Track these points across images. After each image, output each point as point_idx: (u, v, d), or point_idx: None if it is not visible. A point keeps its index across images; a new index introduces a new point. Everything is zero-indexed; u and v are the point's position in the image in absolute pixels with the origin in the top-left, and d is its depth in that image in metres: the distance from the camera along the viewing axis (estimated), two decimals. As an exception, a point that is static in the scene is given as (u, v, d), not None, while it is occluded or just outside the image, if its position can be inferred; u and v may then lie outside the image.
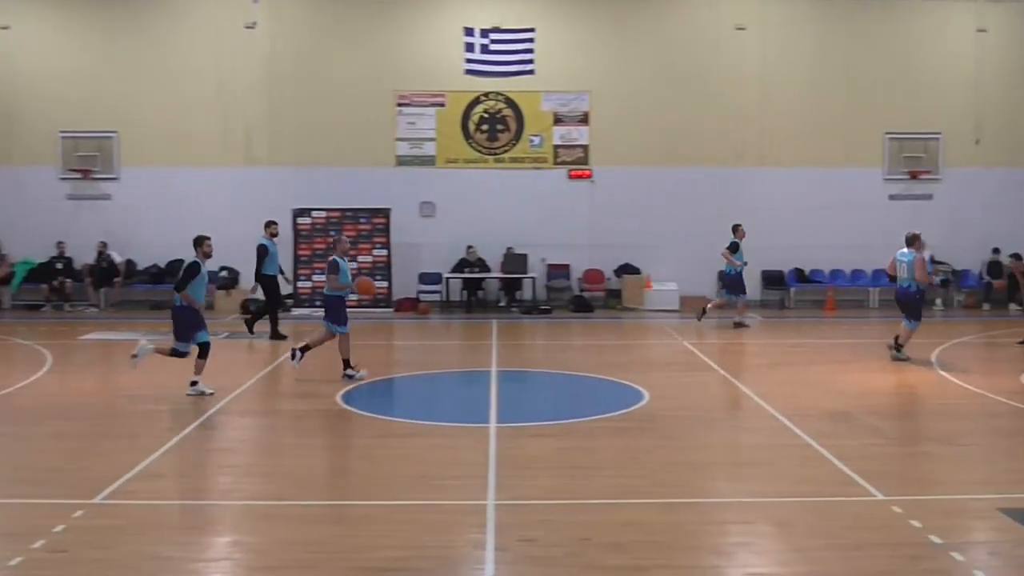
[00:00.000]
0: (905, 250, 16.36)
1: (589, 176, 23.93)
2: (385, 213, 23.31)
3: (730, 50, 23.80)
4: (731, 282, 20.70)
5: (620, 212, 23.75)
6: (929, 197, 24.26)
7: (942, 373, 15.26)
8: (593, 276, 24.06)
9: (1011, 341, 18.07)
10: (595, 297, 23.83)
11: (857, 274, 24.16)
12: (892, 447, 10.98)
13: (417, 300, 23.44)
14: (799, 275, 24.10)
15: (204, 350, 13.30)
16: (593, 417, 12.23)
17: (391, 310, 22.98)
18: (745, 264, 20.61)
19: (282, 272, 19.21)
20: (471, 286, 23.68)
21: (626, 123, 23.78)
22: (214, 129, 23.68)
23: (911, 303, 16.44)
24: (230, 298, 23.32)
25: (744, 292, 20.80)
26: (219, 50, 23.58)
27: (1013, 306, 22.97)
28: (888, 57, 24.02)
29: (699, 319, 20.76)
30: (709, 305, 20.98)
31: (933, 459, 10.64)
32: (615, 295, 23.91)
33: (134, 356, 13.15)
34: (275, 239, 19.16)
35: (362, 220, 23.31)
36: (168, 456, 10.26)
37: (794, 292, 24.08)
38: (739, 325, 20.45)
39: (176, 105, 23.72)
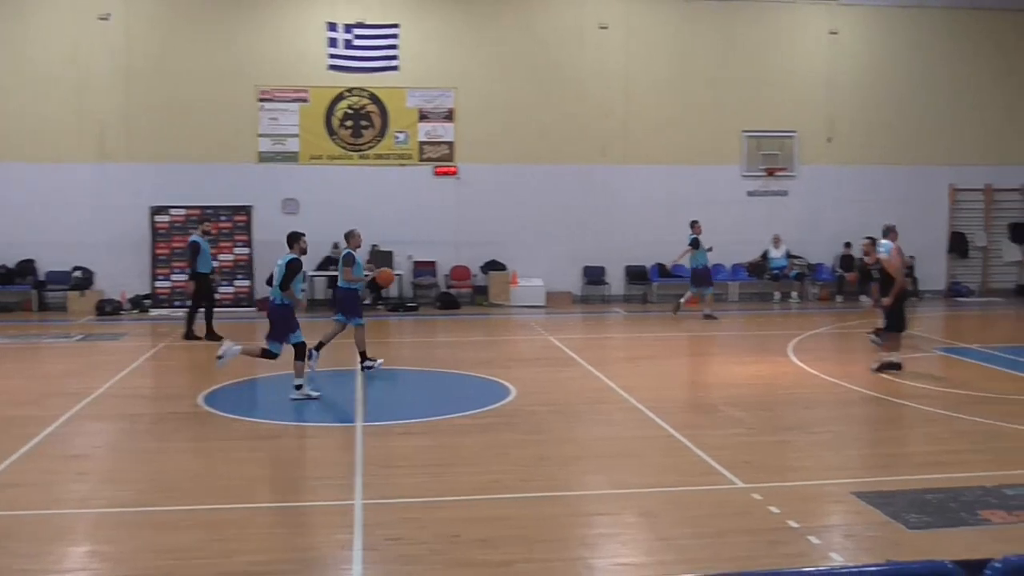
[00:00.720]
0: (884, 241, 16.96)
1: (455, 173, 23.92)
2: (247, 210, 22.85)
3: (594, 48, 24.09)
4: (695, 276, 21.35)
5: (486, 209, 23.81)
6: (785, 193, 25.01)
7: (798, 363, 15.75)
8: (459, 273, 24.07)
9: (863, 331, 18.74)
10: (462, 294, 23.84)
11: (717, 268, 24.76)
12: (752, 436, 11.27)
13: (281, 299, 23.04)
14: (661, 270, 24.57)
15: (300, 351, 13.01)
16: (460, 414, 12.22)
17: (254, 309, 22.54)
18: (710, 249, 21.47)
19: (213, 270, 18.81)
20: (337, 284, 23.40)
21: (491, 120, 23.85)
22: (68, 124, 22.81)
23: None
24: (84, 299, 22.52)
25: (710, 285, 21.49)
26: (72, 42, 22.71)
27: (864, 298, 23.83)
28: (746, 57, 24.68)
29: (675, 312, 21.37)
30: (682, 300, 21.50)
31: (791, 447, 10.96)
32: (482, 292, 23.96)
33: (219, 357, 12.84)
34: (207, 236, 18.98)
35: (223, 218, 22.81)
36: (20, 464, 9.83)
37: (656, 287, 24.53)
38: (708, 317, 21.00)
39: (27, 99, 22.77)
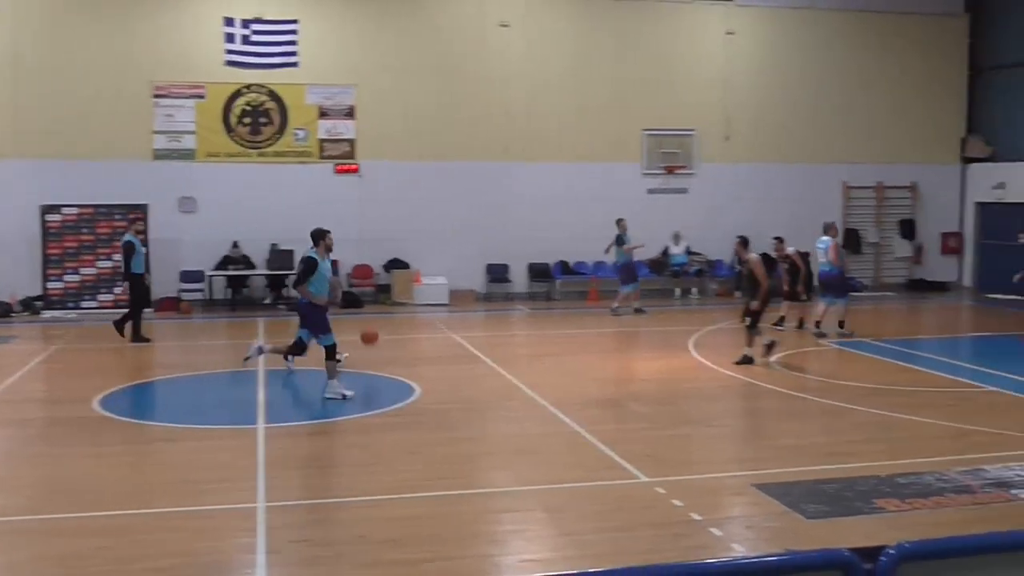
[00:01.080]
0: (824, 237, 18.48)
1: (356, 170, 23.71)
2: (142, 209, 22.33)
3: (495, 46, 24.11)
4: (620, 272, 21.67)
5: (389, 207, 23.64)
6: (685, 191, 25.37)
7: (699, 358, 15.99)
8: (362, 271, 23.87)
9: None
10: (364, 292, 23.65)
11: (631, 264, 24.95)
12: (655, 431, 11.41)
13: (178, 299, 22.59)
14: (564, 267, 24.72)
15: (330, 352, 12.86)
16: (365, 414, 12.13)
17: (151, 310, 22.03)
18: (642, 245, 22.02)
19: (147, 271, 18.44)
20: (236, 284, 23.04)
21: (394, 117, 23.69)
22: (-50, 120, 22.00)
23: (835, 283, 18.42)
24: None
25: (635, 280, 21.69)
26: (-46, 35, 21.91)
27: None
28: (646, 57, 24.94)
29: (620, 314, 21.36)
30: (619, 298, 21.65)
31: (693, 440, 11.13)
32: (385, 290, 23.80)
33: (247, 358, 13.52)
34: (141, 236, 18.57)
35: (117, 216, 22.24)
36: (-97, 473, 9.47)
37: (559, 284, 24.68)
38: (638, 311, 21.34)
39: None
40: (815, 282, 19.94)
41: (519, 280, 24.55)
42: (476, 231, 23.90)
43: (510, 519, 8.24)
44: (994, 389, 13.64)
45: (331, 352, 12.87)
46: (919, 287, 26.65)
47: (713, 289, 25.23)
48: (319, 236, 12.97)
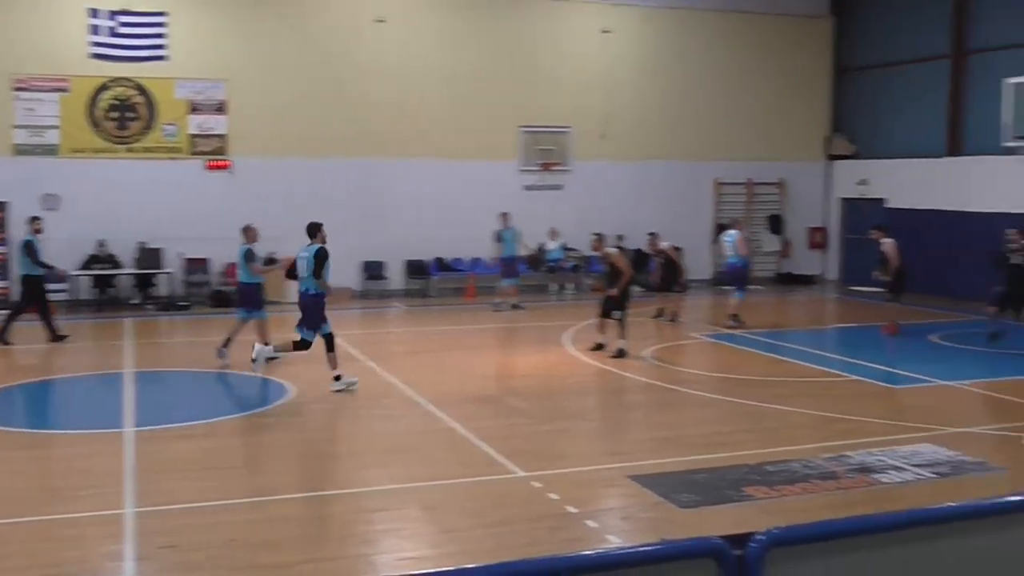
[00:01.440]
0: (731, 231, 19.48)
1: (228, 166, 23.22)
2: (2, 207, 21.44)
3: (371, 41, 23.87)
4: (502, 267, 21.90)
5: (262, 203, 23.14)
6: (560, 188, 25.56)
7: (575, 353, 16.13)
8: (233, 270, 23.35)
9: (639, 320, 19.34)
10: (235, 291, 23.13)
11: (515, 259, 24.96)
12: (531, 426, 11.47)
13: (42, 300, 21.75)
14: (441, 264, 24.65)
15: (330, 342, 13.20)
16: (237, 415, 11.90)
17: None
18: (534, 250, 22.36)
19: (49, 268, 17.68)
20: (102, 283, 22.32)
21: (267, 113, 23.25)
22: None
23: (739, 275, 19.38)
24: None
25: (515, 276, 21.94)
26: None
27: (636, 288, 24.68)
28: (522, 54, 25.03)
29: (502, 309, 21.47)
30: (501, 292, 21.84)
31: (569, 434, 11.22)
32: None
33: (254, 360, 13.21)
34: (39, 235, 17.75)
35: (-25, 214, 21.32)
36: None
37: (436, 281, 24.60)
38: (516, 307, 21.51)
39: None
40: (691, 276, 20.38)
41: (396, 277, 24.40)
42: (351, 228, 23.60)
43: (386, 518, 8.18)
44: (856, 378, 14.12)
45: (331, 342, 13.27)
46: (787, 280, 27.43)
47: (588, 285, 25.46)
48: (316, 228, 13.71)
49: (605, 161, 25.70)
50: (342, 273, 23.58)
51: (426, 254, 24.54)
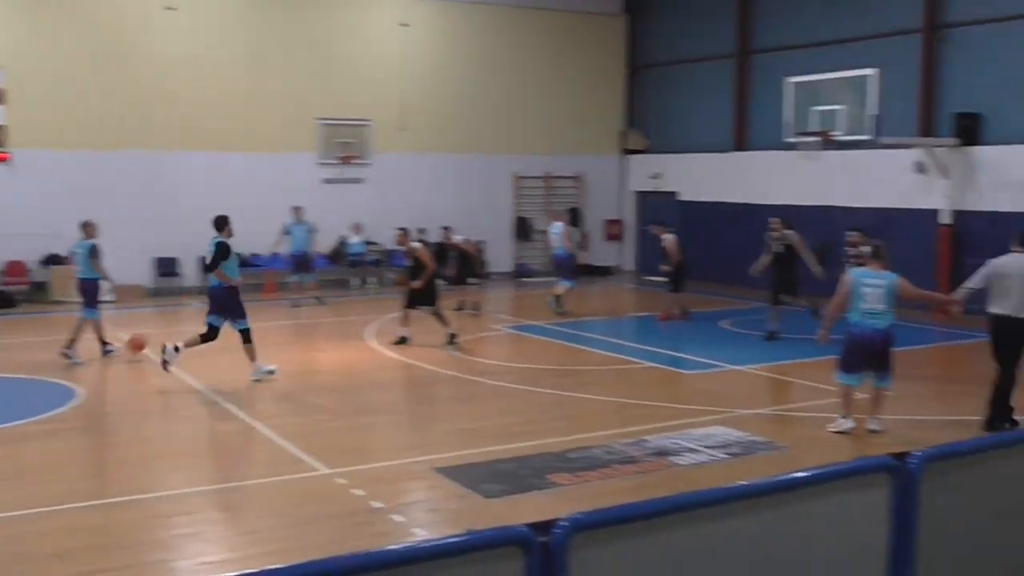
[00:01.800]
0: (557, 223, 20.45)
1: (6, 159, 21.93)
2: None
3: (160, 29, 22.98)
4: (293, 263, 21.59)
5: (45, 198, 21.98)
6: (360, 181, 25.33)
7: (377, 348, 16.03)
8: (14, 268, 22.13)
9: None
10: (18, 290, 21.94)
11: (307, 255, 24.54)
12: (334, 422, 11.33)
13: None
14: (238, 260, 23.97)
15: (246, 335, 13.36)
16: (21, 421, 11.24)
17: None
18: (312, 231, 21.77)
19: None
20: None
21: (49, 103, 22.04)
22: None
23: (564, 266, 20.18)
24: None
25: (307, 271, 21.62)
26: None
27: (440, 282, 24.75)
28: (320, 46, 24.62)
29: (300, 305, 20.98)
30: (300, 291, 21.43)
31: (373, 429, 11.15)
32: (41, 288, 22.19)
33: (165, 362, 13.12)
34: None
35: None
36: None
37: (234, 277, 23.94)
38: (319, 301, 21.24)
39: None
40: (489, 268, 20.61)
41: (190, 274, 23.61)
42: (142, 223, 22.72)
43: (185, 522, 7.91)
44: (652, 365, 14.60)
45: (247, 336, 13.37)
46: (585, 272, 28.04)
47: (391, 278, 25.36)
48: (224, 222, 13.83)
49: (405, 154, 25.64)
50: (133, 270, 22.74)
51: (223, 249, 23.83)
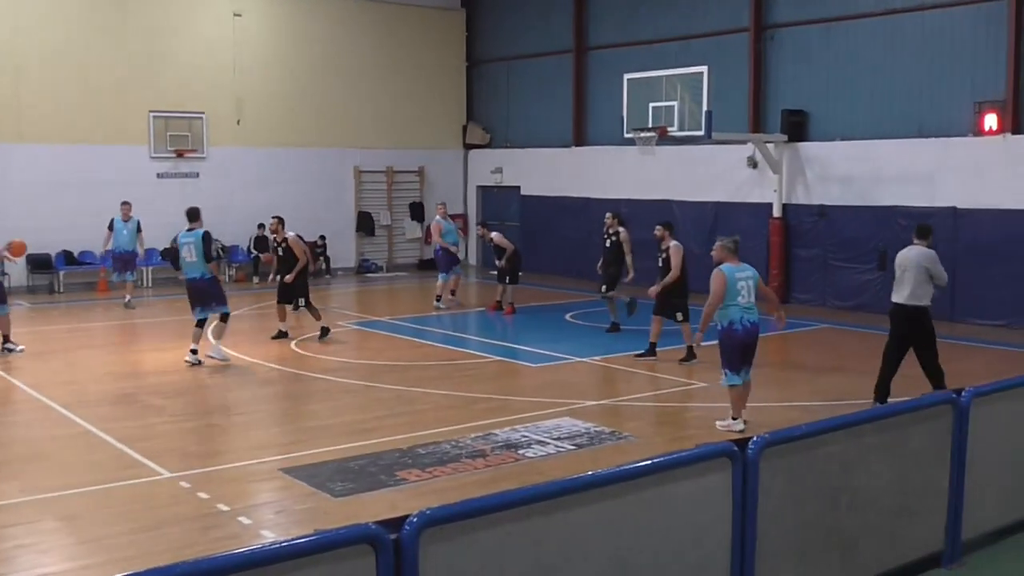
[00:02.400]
0: (437, 217, 20.53)
1: None
2: None
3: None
4: (115, 262, 20.82)
5: None
6: (196, 175, 24.67)
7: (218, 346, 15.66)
8: None
9: (270, 311, 19.04)
10: None
11: (132, 253, 23.76)
12: (175, 424, 11.05)
13: None
14: (68, 257, 23.09)
15: (225, 318, 14.38)
16: None
17: None
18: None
19: None
20: None
21: None
22: None
23: (440, 259, 20.20)
24: None
25: (131, 270, 20.84)
26: None
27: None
28: (152, 36, 23.78)
29: (132, 306, 20.16)
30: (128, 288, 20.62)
31: (216, 431, 10.92)
32: None
33: (211, 357, 14.00)
34: None
35: None
36: None
37: (63, 275, 23.02)
38: (127, 306, 20.19)
39: None
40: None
41: (17, 273, 22.54)
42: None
43: (19, 533, 7.59)
44: (498, 358, 14.74)
45: (226, 317, 14.41)
46: (429, 267, 27.99)
47: (230, 275, 24.84)
48: (197, 214, 14.35)
49: (242, 148, 25.11)
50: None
51: (51, 247, 22.86)
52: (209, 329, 14.65)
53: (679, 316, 14.12)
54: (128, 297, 20.31)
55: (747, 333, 10.24)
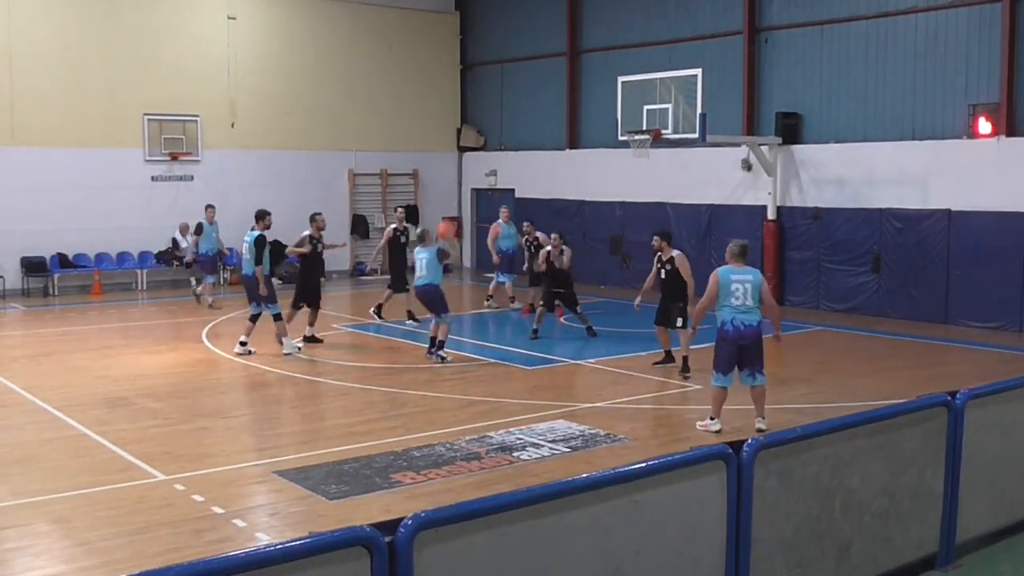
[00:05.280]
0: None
1: None
2: None
3: (-31, 21, 21.84)
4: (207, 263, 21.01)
5: None
6: (191, 178, 24.64)
7: (214, 349, 15.67)
8: None
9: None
10: None
11: (123, 256, 23.77)
12: (170, 427, 11.03)
13: None
14: (63, 260, 23.06)
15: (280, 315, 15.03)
16: None
17: None
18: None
19: None
20: None
21: None
22: None
23: (502, 261, 20.04)
24: None
25: (214, 272, 21.08)
26: None
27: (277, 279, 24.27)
28: (146, 39, 23.74)
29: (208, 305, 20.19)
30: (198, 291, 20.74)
31: (210, 433, 10.89)
32: None
33: (288, 354, 14.73)
34: None
35: None
36: None
37: (58, 278, 22.99)
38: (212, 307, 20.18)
39: None
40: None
41: (11, 276, 22.52)
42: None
43: (13, 536, 7.57)
44: (493, 361, 14.72)
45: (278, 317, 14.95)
46: (423, 269, 28.04)
47: (225, 278, 24.80)
48: (262, 216, 15.16)
49: (236, 150, 25.08)
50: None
51: (46, 250, 22.83)
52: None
53: (679, 323, 13.62)
54: (211, 298, 20.48)
55: (738, 335, 10.18)
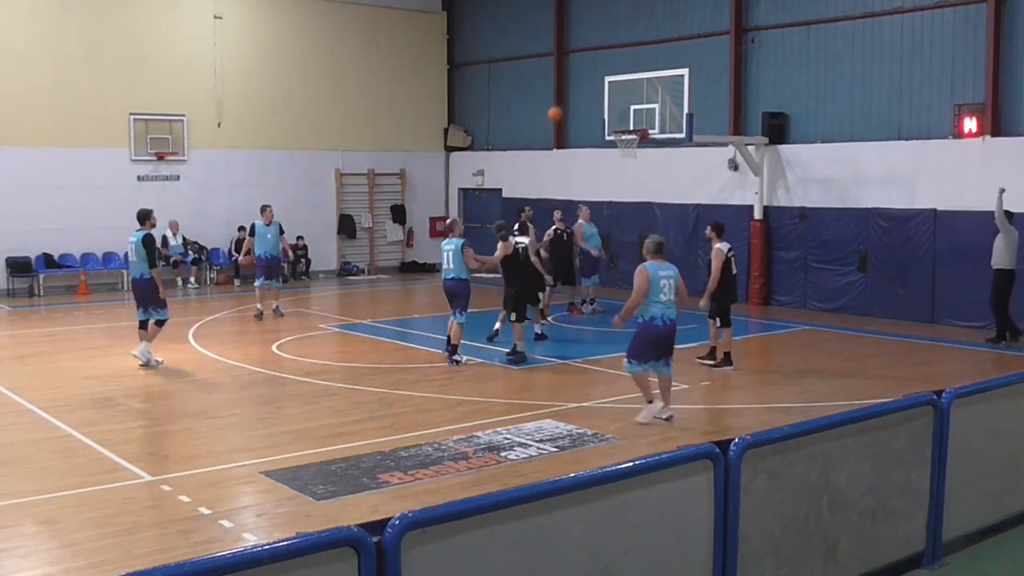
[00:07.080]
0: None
1: None
2: None
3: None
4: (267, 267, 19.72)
5: None
6: (177, 178, 24.57)
7: (199, 349, 15.63)
8: None
9: (248, 313, 18.96)
10: None
11: (109, 257, 23.68)
12: (156, 427, 11.01)
13: None
14: (48, 260, 22.97)
15: (163, 324, 14.34)
16: None
17: None
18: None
19: None
20: None
21: None
22: None
23: (584, 265, 19.87)
24: None
25: (274, 276, 19.38)
26: None
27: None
28: (131, 38, 23.67)
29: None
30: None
31: (197, 434, 10.86)
32: None
33: (145, 364, 13.93)
34: None
35: None
36: None
37: (44, 278, 22.90)
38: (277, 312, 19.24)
39: None
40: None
41: (-5, 275, 22.41)
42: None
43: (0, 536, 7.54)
44: (480, 361, 14.71)
45: (162, 324, 14.36)
46: (411, 269, 28.06)
47: (211, 278, 24.75)
48: (147, 215, 14.42)
49: (223, 150, 25.02)
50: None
51: (31, 250, 22.74)
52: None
53: (717, 322, 13.86)
54: (275, 304, 19.19)
55: (667, 329, 10.67)
